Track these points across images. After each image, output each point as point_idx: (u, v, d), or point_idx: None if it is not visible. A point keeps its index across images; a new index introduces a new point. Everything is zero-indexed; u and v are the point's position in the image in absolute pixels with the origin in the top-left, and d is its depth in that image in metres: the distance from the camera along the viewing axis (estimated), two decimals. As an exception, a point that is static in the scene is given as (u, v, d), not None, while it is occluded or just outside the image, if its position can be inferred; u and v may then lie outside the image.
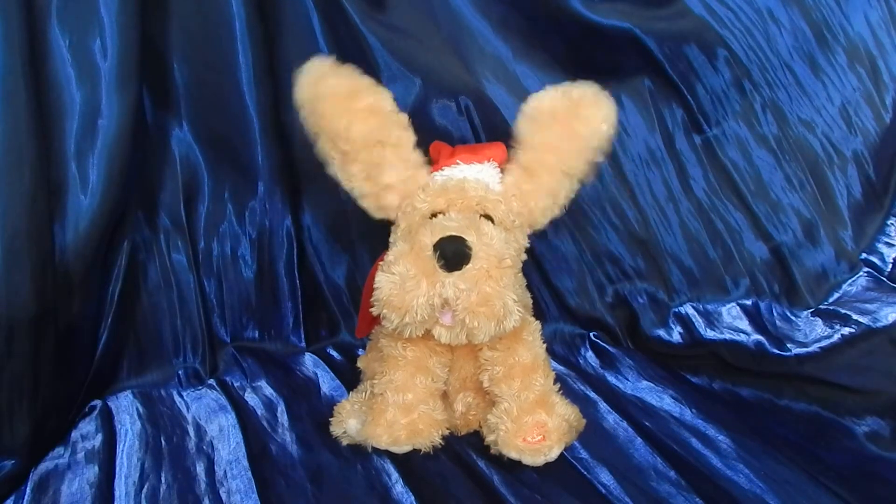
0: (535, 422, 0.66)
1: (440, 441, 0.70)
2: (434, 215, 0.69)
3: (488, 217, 0.69)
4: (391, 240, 0.73)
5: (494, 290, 0.62)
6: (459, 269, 0.62)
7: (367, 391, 0.73)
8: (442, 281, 0.62)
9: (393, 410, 0.68)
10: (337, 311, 0.94)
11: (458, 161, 0.73)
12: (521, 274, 0.70)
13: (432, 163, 0.75)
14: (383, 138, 0.69)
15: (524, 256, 0.73)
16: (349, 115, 0.68)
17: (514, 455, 0.66)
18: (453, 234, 0.63)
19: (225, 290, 0.89)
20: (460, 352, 0.72)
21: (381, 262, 0.67)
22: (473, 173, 0.72)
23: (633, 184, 0.92)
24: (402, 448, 0.68)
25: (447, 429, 0.72)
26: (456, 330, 0.64)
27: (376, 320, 0.79)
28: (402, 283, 0.62)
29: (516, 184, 0.71)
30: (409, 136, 0.71)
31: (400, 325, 0.63)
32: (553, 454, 0.66)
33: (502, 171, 0.73)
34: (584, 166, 0.71)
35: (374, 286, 0.64)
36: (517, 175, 0.72)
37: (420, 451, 0.69)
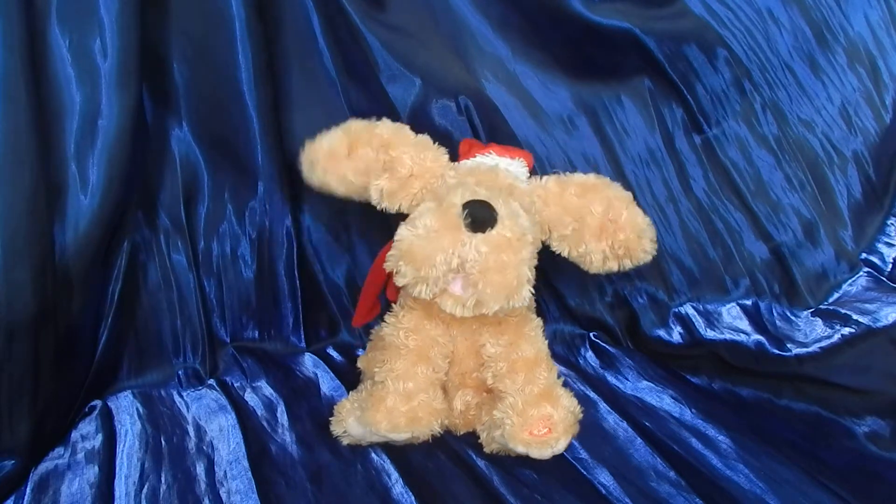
0: (540, 415, 0.66)
1: (439, 430, 0.70)
2: None
3: None
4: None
5: (512, 260, 0.62)
6: (483, 231, 0.62)
7: (370, 380, 0.73)
8: (464, 240, 0.62)
9: (393, 398, 0.68)
10: (337, 311, 0.94)
11: (490, 151, 0.75)
12: (535, 260, 0.70)
13: (459, 157, 0.77)
14: (386, 144, 0.71)
15: (535, 260, 0.73)
16: (351, 165, 0.72)
17: (521, 449, 0.66)
18: (483, 198, 0.64)
19: (225, 290, 0.89)
20: (462, 345, 0.72)
21: (390, 245, 0.67)
22: (505, 164, 0.74)
23: (633, 184, 0.92)
24: (400, 435, 0.68)
25: (446, 420, 0.72)
26: (466, 295, 0.63)
27: (374, 310, 0.79)
28: (425, 234, 0.62)
29: (546, 185, 0.73)
30: (415, 135, 0.74)
31: (412, 281, 0.63)
32: (560, 446, 0.66)
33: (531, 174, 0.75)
34: (595, 246, 0.72)
35: (395, 238, 0.64)
36: (553, 180, 0.74)
37: (419, 447, 0.69)
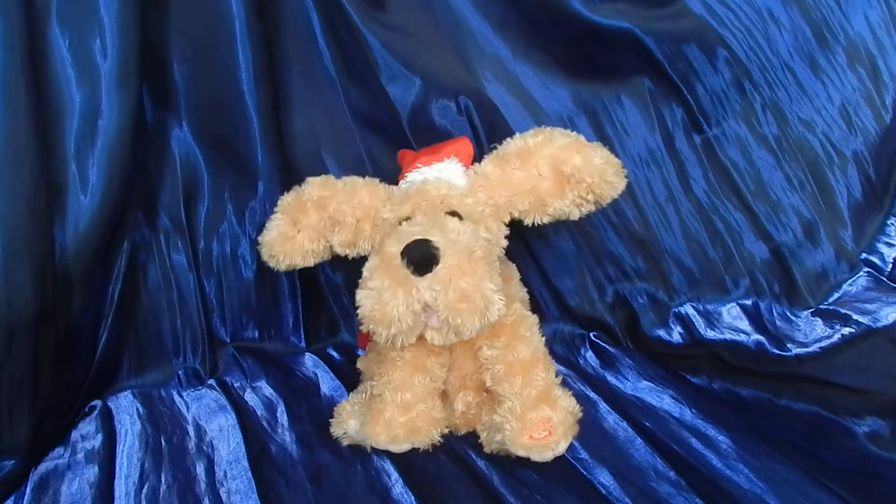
0: (539, 418, 0.66)
1: (439, 439, 0.70)
2: (403, 222, 0.69)
3: (455, 213, 0.69)
4: None
5: (470, 284, 0.62)
6: (430, 270, 0.62)
7: (367, 392, 0.73)
8: (417, 286, 0.62)
9: (391, 409, 0.68)
10: (337, 311, 0.94)
11: (418, 165, 0.75)
12: (497, 264, 0.70)
13: (402, 171, 0.77)
14: (319, 203, 0.74)
15: (504, 243, 0.74)
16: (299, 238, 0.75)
17: (521, 453, 0.66)
18: (418, 238, 0.63)
19: (225, 290, 0.89)
20: (459, 350, 0.72)
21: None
22: (434, 173, 0.73)
23: (633, 184, 0.92)
24: (400, 447, 0.68)
25: (446, 427, 0.72)
26: (444, 330, 0.64)
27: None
28: (379, 296, 0.62)
29: (486, 173, 0.73)
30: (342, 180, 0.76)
31: (389, 337, 0.63)
32: (561, 448, 0.66)
33: (475, 163, 0.75)
34: (561, 203, 0.72)
35: (356, 304, 0.65)
36: (491, 163, 0.73)
37: (420, 450, 0.69)
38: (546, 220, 0.74)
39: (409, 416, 0.68)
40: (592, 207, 0.73)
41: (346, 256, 0.77)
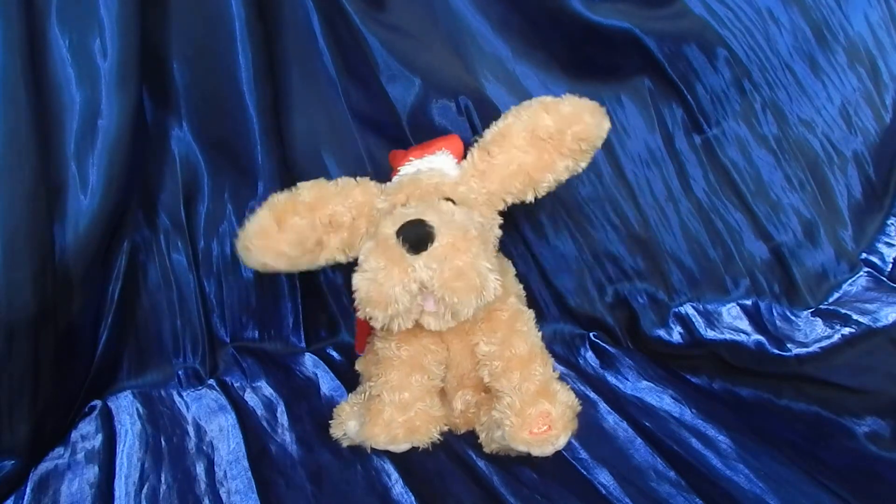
0: (538, 413, 0.66)
1: (438, 437, 0.70)
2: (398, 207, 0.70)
3: (449, 200, 0.70)
4: None
5: (465, 262, 0.62)
6: (425, 248, 0.62)
7: (366, 393, 0.73)
8: (412, 265, 0.62)
9: (390, 410, 0.68)
10: (337, 311, 0.94)
11: (410, 158, 0.75)
12: (492, 245, 0.70)
13: (392, 170, 0.77)
14: (312, 207, 0.72)
15: (498, 232, 0.73)
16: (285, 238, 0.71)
17: (521, 448, 0.66)
18: (413, 218, 0.64)
19: (225, 290, 0.89)
20: (456, 348, 0.72)
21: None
22: (426, 164, 0.74)
23: (633, 184, 0.92)
24: (400, 447, 0.68)
25: (446, 426, 0.72)
26: (440, 312, 0.64)
27: (371, 331, 0.79)
28: (374, 277, 0.62)
29: (474, 164, 0.73)
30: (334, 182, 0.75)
31: (386, 320, 0.63)
32: (561, 442, 0.66)
33: (464, 157, 0.75)
34: (556, 167, 0.71)
35: (353, 289, 0.64)
36: (476, 155, 0.73)
37: (419, 450, 0.69)
38: (545, 189, 0.73)
39: (407, 416, 0.68)
40: (589, 157, 0.72)
41: (335, 265, 0.75)
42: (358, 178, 0.77)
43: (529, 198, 0.74)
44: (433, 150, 0.75)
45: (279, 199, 0.74)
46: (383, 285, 0.62)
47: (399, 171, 0.75)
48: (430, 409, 0.70)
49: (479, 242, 0.64)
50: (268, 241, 0.71)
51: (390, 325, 0.64)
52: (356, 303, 0.64)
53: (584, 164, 0.73)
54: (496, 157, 0.72)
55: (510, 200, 0.74)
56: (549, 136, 0.70)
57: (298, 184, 0.75)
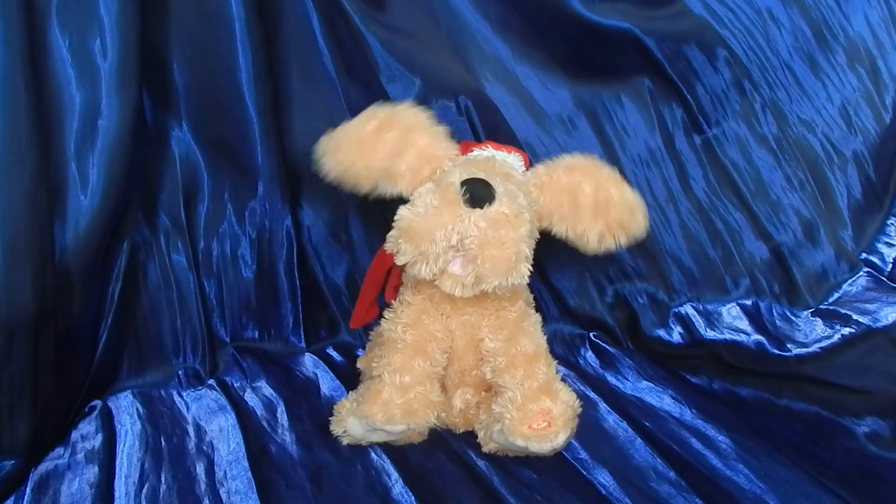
0: (539, 409, 0.66)
1: (435, 422, 0.70)
2: None
3: None
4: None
5: (510, 236, 0.63)
6: (482, 207, 0.63)
7: (365, 385, 0.73)
8: (463, 216, 0.63)
9: (389, 390, 0.68)
10: (337, 311, 0.94)
11: (487, 145, 0.76)
12: (532, 241, 0.70)
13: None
14: (407, 128, 0.72)
15: (534, 242, 0.73)
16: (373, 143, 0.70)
17: (520, 443, 0.66)
18: (480, 176, 0.65)
19: (225, 290, 0.89)
20: (461, 341, 0.72)
21: (384, 247, 0.68)
22: (501, 155, 0.75)
23: (633, 184, 0.91)
24: (396, 427, 0.68)
25: (445, 425, 0.72)
26: (465, 274, 0.64)
27: (371, 312, 0.80)
28: (425, 212, 0.63)
29: (537, 173, 0.74)
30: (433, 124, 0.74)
31: (414, 256, 0.63)
32: (559, 441, 0.66)
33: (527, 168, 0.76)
34: (590, 225, 0.72)
35: (395, 218, 0.65)
36: (541, 169, 0.75)
37: (420, 451, 0.69)
38: (570, 236, 0.73)
39: (406, 398, 0.68)
40: (612, 243, 0.73)
41: (384, 194, 0.72)
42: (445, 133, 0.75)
43: (558, 229, 0.73)
44: (508, 150, 0.76)
45: (383, 111, 0.72)
46: (428, 223, 0.63)
47: (474, 150, 0.76)
48: (430, 394, 0.69)
49: (529, 227, 0.66)
50: (362, 149, 0.70)
51: (413, 266, 0.64)
52: (391, 234, 0.65)
53: (599, 245, 0.73)
54: (561, 177, 0.73)
55: (549, 222, 0.74)
56: (606, 201, 0.72)
57: (405, 102, 0.74)
